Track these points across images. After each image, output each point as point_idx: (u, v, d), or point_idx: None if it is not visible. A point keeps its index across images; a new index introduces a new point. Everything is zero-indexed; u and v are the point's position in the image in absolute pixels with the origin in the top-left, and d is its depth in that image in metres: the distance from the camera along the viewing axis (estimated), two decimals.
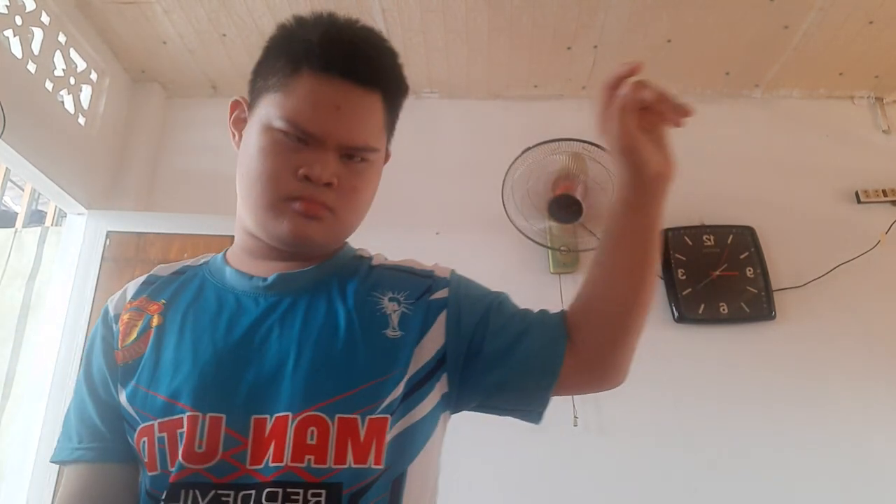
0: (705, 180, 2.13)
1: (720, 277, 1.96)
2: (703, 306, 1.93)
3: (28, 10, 1.74)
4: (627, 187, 0.63)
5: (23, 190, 2.49)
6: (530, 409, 0.68)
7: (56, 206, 2.14)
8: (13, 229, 2.23)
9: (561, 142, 1.85)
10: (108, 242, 1.97)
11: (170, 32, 1.98)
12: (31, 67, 1.74)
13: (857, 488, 1.74)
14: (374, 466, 0.58)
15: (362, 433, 0.58)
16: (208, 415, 0.59)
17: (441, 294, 0.69)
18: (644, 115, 0.63)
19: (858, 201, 2.07)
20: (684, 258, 1.99)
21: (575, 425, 1.79)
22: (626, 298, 0.67)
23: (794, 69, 2.14)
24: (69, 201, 1.92)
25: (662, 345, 1.91)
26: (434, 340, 0.66)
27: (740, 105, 2.27)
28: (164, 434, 0.59)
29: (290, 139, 0.62)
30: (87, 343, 0.72)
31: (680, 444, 1.80)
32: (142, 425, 0.61)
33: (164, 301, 0.69)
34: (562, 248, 1.95)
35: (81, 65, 1.98)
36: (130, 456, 0.64)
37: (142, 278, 0.73)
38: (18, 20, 1.69)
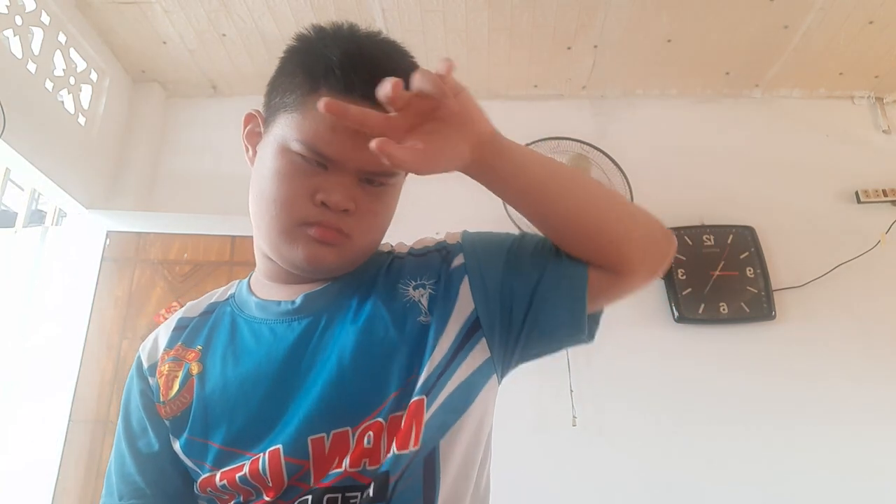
0: (705, 180, 2.13)
1: (720, 277, 1.96)
2: (703, 306, 1.93)
3: (28, 10, 1.74)
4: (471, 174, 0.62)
5: (23, 190, 2.49)
6: (577, 336, 0.66)
7: (56, 206, 2.14)
8: (13, 229, 2.23)
9: (561, 140, 1.85)
10: (107, 242, 1.97)
11: (170, 32, 1.98)
12: (31, 67, 1.74)
13: (857, 488, 1.74)
14: (412, 448, 0.58)
15: (403, 421, 0.59)
16: (266, 452, 0.58)
17: (458, 261, 0.68)
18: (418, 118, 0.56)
19: (858, 201, 2.07)
20: (684, 258, 1.99)
21: (574, 425, 1.79)
22: (571, 221, 0.63)
23: (794, 69, 2.14)
24: (69, 201, 1.92)
25: (662, 345, 1.91)
26: (462, 310, 0.64)
27: (740, 105, 2.27)
28: (226, 481, 0.60)
29: (308, 162, 0.60)
30: (123, 396, 0.71)
31: (679, 443, 1.80)
32: (203, 476, 0.62)
33: (200, 347, 0.67)
34: None
35: (81, 65, 1.98)
36: None
37: (172, 322, 0.72)
38: (18, 20, 1.69)
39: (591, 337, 0.67)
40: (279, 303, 0.67)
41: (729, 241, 2.00)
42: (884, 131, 2.21)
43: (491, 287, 0.65)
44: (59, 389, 1.78)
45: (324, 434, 0.58)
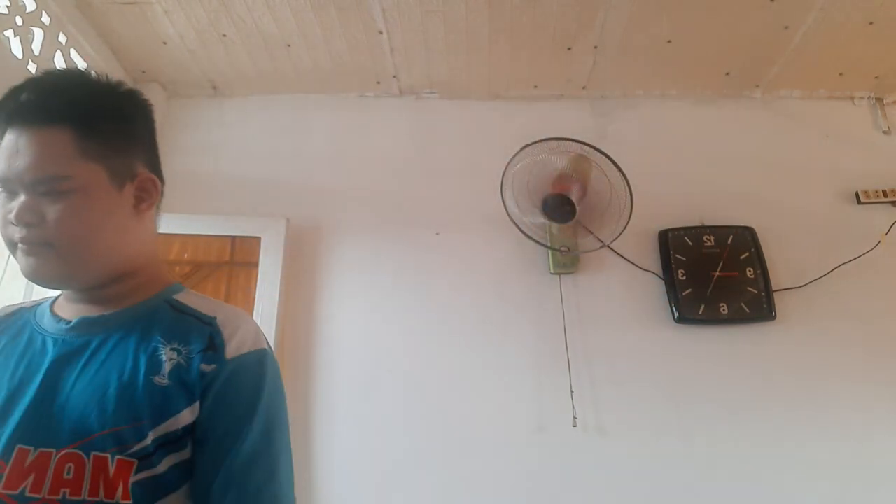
0: (705, 180, 2.13)
1: (720, 278, 1.96)
2: (703, 306, 1.93)
3: (28, 10, 1.74)
4: None
5: None
6: None
7: None
8: None
9: (561, 141, 1.85)
10: None
11: (170, 32, 1.98)
12: (32, 67, 1.74)
13: (857, 488, 1.74)
14: (122, 502, 0.61)
15: (112, 471, 0.62)
16: None
17: (210, 371, 0.69)
18: None
19: (858, 202, 2.07)
20: (684, 258, 1.99)
21: (574, 425, 1.79)
22: None
23: (794, 69, 2.14)
24: None
25: (662, 345, 1.91)
26: (185, 417, 0.67)
27: (740, 105, 2.27)
28: None
29: (3, 193, 0.70)
30: None
31: (679, 444, 1.80)
32: None
33: None
34: (562, 249, 1.96)
35: (82, 65, 1.98)
36: None
37: None
38: (19, 20, 1.70)
39: None
40: (60, 320, 0.74)
41: (729, 242, 2.00)
42: (884, 132, 2.21)
43: (208, 441, 0.68)
44: None
45: (31, 448, 0.63)
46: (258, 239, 1.92)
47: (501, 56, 2.08)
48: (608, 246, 1.91)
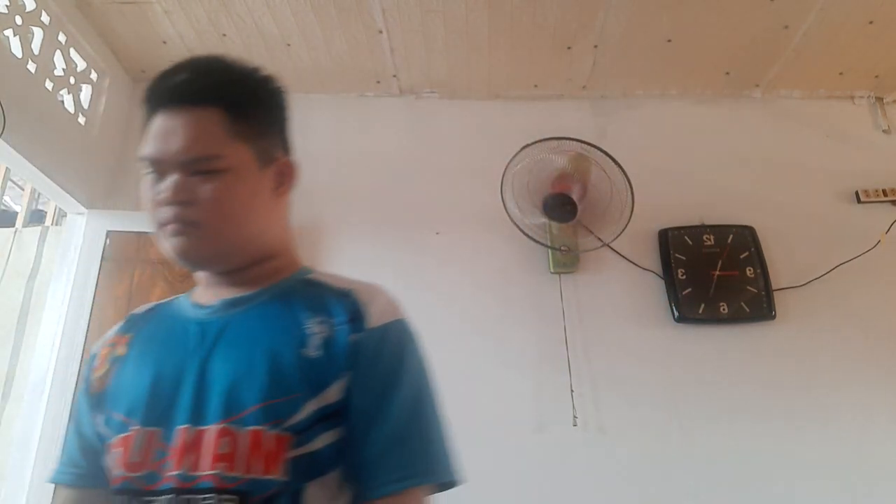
0: (705, 180, 2.13)
1: (720, 277, 1.96)
2: (703, 306, 1.93)
3: (28, 9, 1.74)
4: None
5: (23, 190, 2.49)
6: None
7: (56, 206, 2.14)
8: (13, 229, 2.24)
9: (561, 140, 1.85)
10: (108, 242, 1.96)
11: (170, 32, 1.98)
12: (31, 67, 1.74)
13: (857, 488, 1.74)
14: (276, 479, 0.61)
15: (267, 445, 0.62)
16: (148, 429, 0.65)
17: (354, 340, 0.68)
18: None
19: (858, 201, 2.07)
20: (684, 258, 1.99)
21: (574, 425, 1.79)
22: None
23: (794, 69, 2.14)
24: (69, 201, 1.92)
25: (662, 345, 1.91)
26: (331, 395, 0.66)
27: (740, 105, 2.27)
28: (120, 448, 0.66)
29: (150, 175, 0.71)
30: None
31: (679, 443, 1.80)
32: (109, 443, 0.69)
33: (131, 335, 0.77)
34: (562, 248, 1.96)
35: (81, 65, 1.98)
36: (102, 482, 0.70)
37: (123, 319, 0.82)
38: (18, 20, 1.69)
39: None
40: (203, 306, 0.75)
41: (729, 241, 2.00)
42: (884, 131, 2.21)
43: (358, 408, 0.67)
44: (59, 389, 1.78)
45: (188, 425, 0.63)
46: None
47: (501, 56, 2.08)
48: (608, 245, 1.91)
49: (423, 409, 0.70)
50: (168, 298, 0.83)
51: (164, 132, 0.70)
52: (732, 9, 1.88)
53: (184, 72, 0.73)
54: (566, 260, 1.98)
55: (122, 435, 0.66)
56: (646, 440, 1.80)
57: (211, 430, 0.62)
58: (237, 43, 2.01)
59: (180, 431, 0.63)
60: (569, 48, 2.05)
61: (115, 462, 0.66)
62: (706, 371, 1.88)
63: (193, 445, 0.62)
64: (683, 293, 1.94)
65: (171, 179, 0.68)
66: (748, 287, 1.94)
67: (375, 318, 0.70)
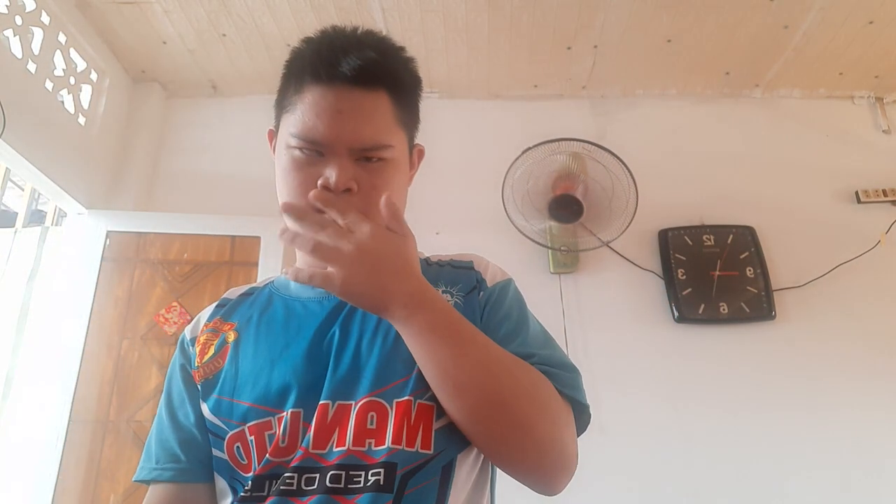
0: (705, 180, 2.13)
1: (720, 277, 1.96)
2: (703, 306, 1.93)
3: (28, 10, 1.74)
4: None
5: (23, 190, 2.49)
6: None
7: (56, 206, 2.13)
8: (13, 229, 2.23)
9: (561, 142, 1.85)
10: (108, 242, 1.96)
11: (170, 32, 1.98)
12: (31, 67, 1.74)
13: (856, 487, 1.74)
14: (422, 451, 0.60)
15: (413, 417, 0.61)
16: (289, 411, 0.63)
17: (482, 296, 0.73)
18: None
19: (858, 201, 2.07)
20: (684, 258, 1.99)
21: None
22: (469, 414, 0.61)
23: (794, 69, 2.14)
24: (69, 201, 1.92)
25: (662, 345, 1.91)
26: None
27: (740, 105, 2.27)
28: (254, 437, 0.63)
29: (305, 154, 0.65)
30: (167, 374, 0.77)
31: (679, 443, 1.80)
32: (230, 432, 0.65)
33: (236, 321, 0.74)
34: (562, 248, 1.96)
35: (81, 65, 1.98)
36: (204, 476, 0.68)
37: (214, 304, 0.79)
38: (18, 20, 1.69)
39: None
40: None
41: (729, 241, 2.01)
42: (884, 131, 2.21)
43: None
44: (59, 389, 1.78)
45: (329, 402, 0.62)
46: (258, 239, 1.92)
47: (501, 56, 2.08)
48: (608, 245, 1.91)
49: (548, 338, 0.73)
50: (253, 284, 0.80)
51: (334, 112, 0.64)
52: (732, 9, 1.88)
53: (354, 49, 0.66)
54: (566, 260, 1.98)
55: (257, 422, 0.63)
56: (646, 440, 1.80)
57: (358, 405, 0.61)
58: (237, 43, 2.01)
59: (325, 408, 0.61)
60: (569, 48, 2.05)
61: (256, 450, 0.62)
62: (706, 371, 1.88)
63: (340, 421, 0.61)
64: (683, 293, 1.94)
65: (340, 164, 0.64)
66: (748, 287, 1.94)
67: (491, 279, 0.76)
